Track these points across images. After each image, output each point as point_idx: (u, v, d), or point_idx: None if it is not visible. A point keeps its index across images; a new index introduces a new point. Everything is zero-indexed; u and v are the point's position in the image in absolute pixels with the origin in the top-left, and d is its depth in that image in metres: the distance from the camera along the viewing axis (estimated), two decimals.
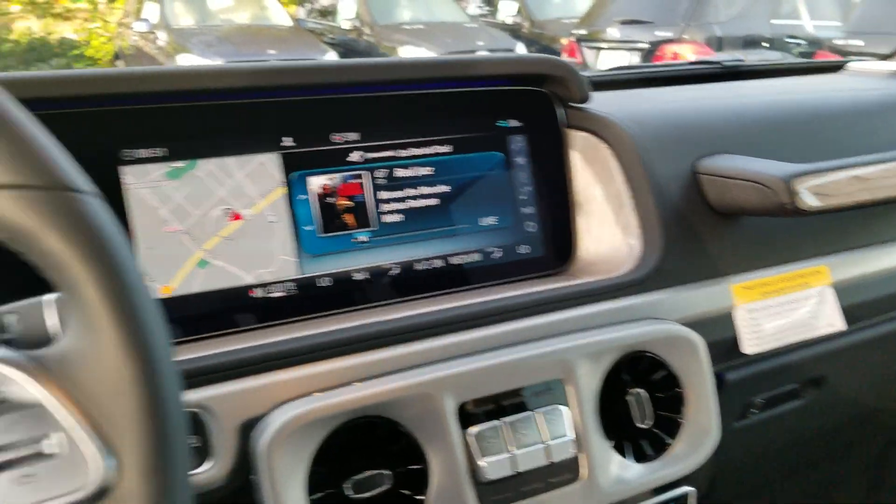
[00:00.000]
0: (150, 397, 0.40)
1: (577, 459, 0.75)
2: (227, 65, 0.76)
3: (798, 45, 5.94)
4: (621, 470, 0.77)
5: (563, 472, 0.74)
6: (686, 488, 0.86)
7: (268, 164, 0.77)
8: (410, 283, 0.82)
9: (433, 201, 0.83)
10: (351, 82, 0.80)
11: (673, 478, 0.80)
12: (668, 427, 0.81)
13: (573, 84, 0.87)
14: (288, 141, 0.77)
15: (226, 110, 0.75)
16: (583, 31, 6.69)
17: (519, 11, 9.60)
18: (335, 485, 0.67)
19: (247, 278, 0.76)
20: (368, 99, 0.81)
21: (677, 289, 0.85)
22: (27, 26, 10.82)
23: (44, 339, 0.49)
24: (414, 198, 0.82)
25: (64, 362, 0.41)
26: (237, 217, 0.75)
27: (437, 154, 0.83)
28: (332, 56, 7.81)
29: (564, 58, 6.73)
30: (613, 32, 6.42)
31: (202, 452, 0.64)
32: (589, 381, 0.76)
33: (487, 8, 10.32)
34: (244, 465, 0.65)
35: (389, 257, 0.81)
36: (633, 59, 6.14)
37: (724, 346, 0.88)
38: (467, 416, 0.71)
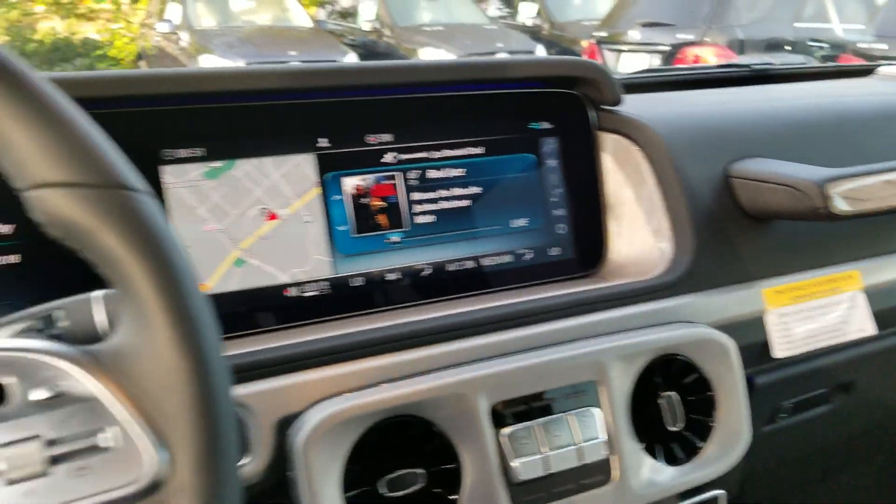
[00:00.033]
0: (202, 393, 0.41)
1: (609, 461, 0.75)
2: (265, 66, 0.77)
3: (821, 48, 5.89)
4: (653, 472, 0.77)
5: (594, 474, 0.74)
6: (717, 491, 0.86)
7: (303, 165, 0.77)
8: (442, 283, 0.82)
9: (465, 202, 0.83)
10: (385, 84, 0.80)
11: (704, 481, 0.80)
12: (699, 430, 0.81)
13: (605, 86, 0.87)
14: (323, 142, 0.78)
15: (263, 111, 0.76)
16: (603, 34, 6.68)
17: (539, 13, 9.60)
18: (369, 483, 0.68)
19: (282, 277, 0.76)
20: (402, 100, 0.82)
21: (708, 292, 0.85)
22: (51, 26, 10.94)
23: (91, 335, 0.50)
24: (446, 199, 0.83)
25: (118, 357, 0.42)
26: (273, 217, 0.76)
27: (470, 156, 0.84)
28: (352, 57, 7.84)
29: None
30: (634, 35, 6.40)
31: (240, 449, 0.65)
32: (621, 383, 0.76)
33: (507, 10, 10.32)
34: (281, 461, 0.65)
35: (421, 258, 0.82)
36: (654, 61, 6.12)
37: (754, 350, 0.88)
38: (500, 417, 0.71)
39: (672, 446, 0.80)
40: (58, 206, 0.40)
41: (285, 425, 0.66)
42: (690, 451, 0.81)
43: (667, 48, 6.08)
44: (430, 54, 8.20)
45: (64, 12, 11.08)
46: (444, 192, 0.82)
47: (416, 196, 0.81)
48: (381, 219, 0.80)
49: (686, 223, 0.84)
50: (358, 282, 0.79)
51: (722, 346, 0.81)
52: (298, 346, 0.68)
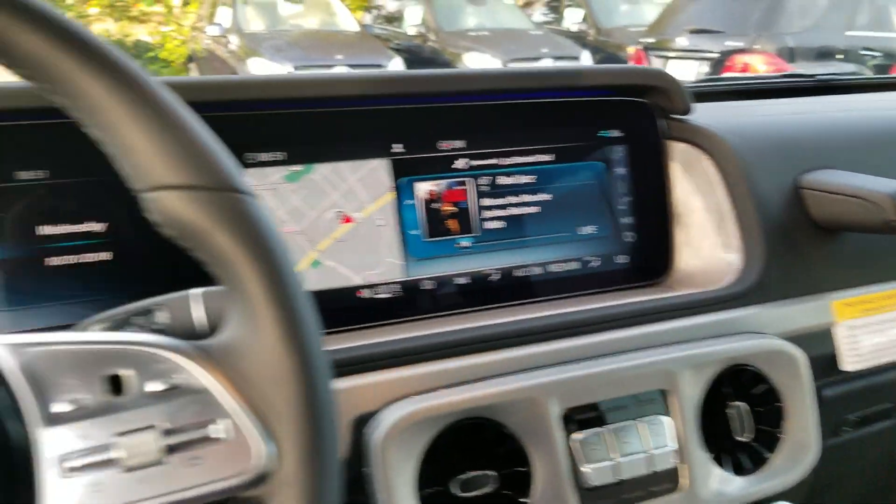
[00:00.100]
0: (308, 389, 0.43)
1: (678, 470, 0.75)
2: (344, 73, 0.79)
3: (874, 57, 5.78)
4: (721, 482, 0.77)
5: (664, 482, 0.74)
6: (784, 503, 0.85)
7: (378, 170, 0.79)
8: (510, 289, 0.83)
9: (534, 209, 0.84)
10: (459, 91, 0.82)
11: (771, 492, 0.80)
12: (768, 441, 0.81)
13: (676, 95, 0.87)
14: (398, 147, 0.80)
15: (341, 117, 0.78)
16: (651, 40, 6.63)
17: (585, 19, 9.56)
18: (442, 482, 0.69)
19: (355, 279, 0.78)
20: (475, 107, 0.83)
21: (777, 303, 0.85)
22: (104, 28, 11.19)
23: (189, 331, 0.52)
24: (516, 205, 0.84)
25: (228, 353, 0.44)
26: (348, 220, 0.78)
27: (540, 162, 0.85)
28: (397, 61, 7.89)
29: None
30: (682, 41, 6.34)
31: None
32: (691, 392, 0.77)
33: (553, 15, 10.28)
34: (356, 458, 0.67)
35: (490, 263, 0.83)
36: (702, 68, 6.06)
37: (821, 362, 0.88)
38: (571, 422, 0.72)
39: (740, 457, 0.80)
40: (174, 207, 0.42)
41: (361, 423, 0.68)
42: (758, 462, 0.80)
43: (715, 55, 6.02)
44: (474, 59, 8.22)
45: (117, 15, 11.34)
46: (513, 199, 0.83)
47: (487, 202, 0.83)
48: (452, 224, 0.82)
49: (756, 233, 0.84)
50: (428, 285, 0.81)
51: (792, 357, 0.81)
52: (374, 346, 0.70)
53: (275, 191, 0.75)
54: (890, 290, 0.91)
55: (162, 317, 0.53)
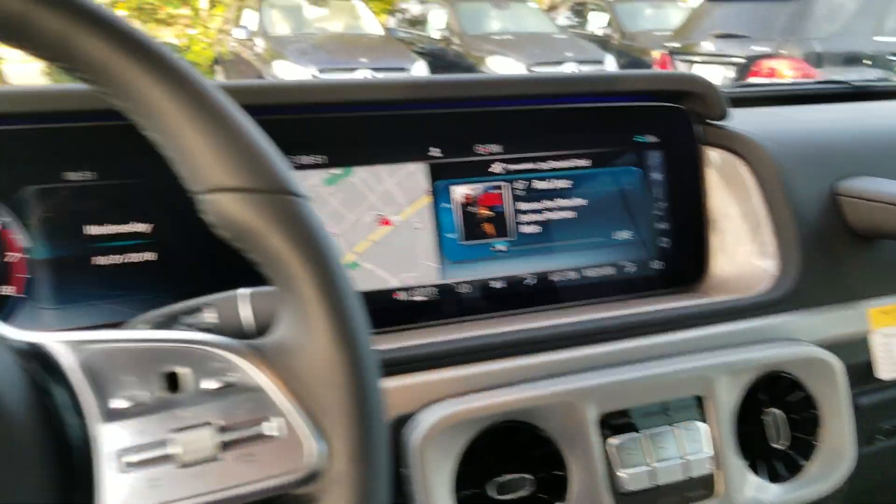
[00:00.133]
0: (359, 389, 0.43)
1: (714, 476, 0.75)
2: (383, 78, 0.80)
3: None
4: (757, 490, 0.77)
5: (699, 488, 0.74)
6: None
7: (416, 173, 0.80)
8: (545, 293, 0.84)
9: (569, 214, 0.85)
10: (496, 96, 0.82)
11: (806, 500, 0.80)
12: (803, 449, 0.81)
13: (713, 101, 0.87)
14: (435, 151, 0.80)
15: (380, 121, 0.79)
16: (676, 44, 6.60)
17: (609, 23, 9.54)
18: (479, 485, 0.69)
19: (392, 281, 0.79)
20: (511, 112, 0.84)
21: (813, 310, 0.84)
22: None
23: (236, 331, 0.53)
24: (551, 209, 0.84)
25: (280, 351, 0.44)
26: (386, 223, 0.79)
27: (576, 167, 0.85)
28: (421, 65, 7.92)
29: (657, 70, 6.65)
30: (708, 46, 6.31)
31: None
32: (727, 398, 0.77)
33: (577, 19, 10.27)
34: (394, 459, 0.68)
35: (525, 267, 0.83)
36: (728, 73, 6.02)
37: (857, 370, 0.87)
38: (607, 427, 0.72)
39: (775, 464, 0.80)
40: (230, 209, 0.43)
41: (399, 424, 0.68)
42: (794, 470, 0.80)
43: (741, 60, 5.98)
44: (498, 63, 8.22)
45: (145, 17, 11.48)
46: (549, 203, 0.84)
47: (522, 206, 0.83)
48: (488, 227, 0.82)
49: (792, 240, 0.84)
50: (464, 288, 0.81)
51: (828, 365, 0.80)
52: (413, 348, 0.71)
53: (315, 193, 0.76)
54: None
55: (210, 316, 0.54)
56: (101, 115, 0.68)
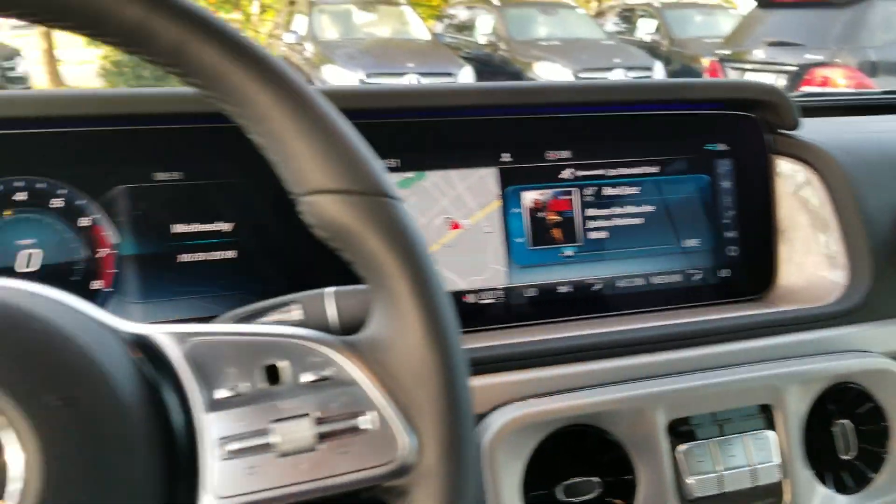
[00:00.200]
0: (450, 386, 0.45)
1: (782, 485, 0.75)
2: (457, 84, 0.82)
3: None
4: (824, 500, 0.77)
5: (767, 497, 0.74)
6: None
7: (487, 178, 0.81)
8: (612, 299, 0.84)
9: (638, 220, 0.85)
10: (568, 102, 0.83)
11: None
12: (872, 460, 0.80)
13: (785, 110, 0.87)
14: (506, 157, 0.81)
15: (453, 126, 0.80)
16: (727, 52, 6.52)
17: (658, 29, 9.47)
18: (547, 487, 0.70)
19: (461, 284, 0.80)
20: (582, 118, 0.84)
21: (883, 322, 0.84)
22: None
23: (322, 328, 0.54)
24: (620, 216, 0.85)
25: (373, 348, 0.46)
26: (456, 226, 0.80)
27: (645, 174, 0.85)
28: (467, 70, 7.94)
29: (707, 77, 6.57)
30: (759, 54, 6.22)
31: None
32: (797, 408, 0.76)
33: (625, 25, 10.21)
34: None
35: (593, 273, 0.84)
36: (780, 81, 5.93)
37: None
38: (676, 433, 0.73)
39: (843, 475, 0.79)
40: (329, 210, 0.45)
41: None
42: (862, 482, 0.80)
43: (793, 69, 5.88)
44: (545, 69, 8.22)
45: None
46: (618, 210, 0.84)
47: (591, 212, 0.84)
48: (556, 233, 0.83)
49: (863, 251, 0.83)
50: (531, 293, 0.82)
51: None
52: (484, 350, 0.72)
53: None
54: None
55: (296, 313, 0.56)
56: (190, 118, 0.72)
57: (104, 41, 0.43)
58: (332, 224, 0.45)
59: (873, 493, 0.79)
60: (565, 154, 0.83)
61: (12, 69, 7.32)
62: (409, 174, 0.79)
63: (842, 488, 0.79)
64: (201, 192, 0.72)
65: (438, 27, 10.69)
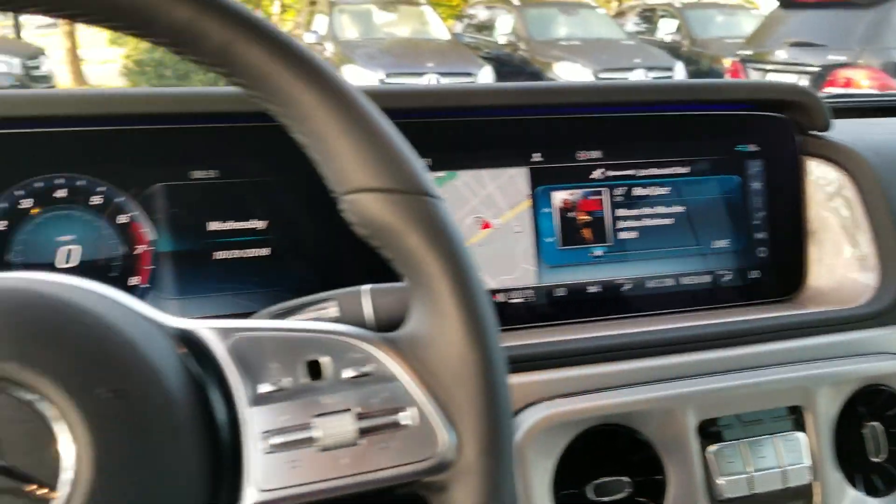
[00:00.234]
0: (489, 383, 0.45)
1: (812, 487, 0.75)
2: (488, 84, 0.82)
3: None
4: (855, 502, 0.76)
5: (796, 499, 0.74)
6: None
7: (517, 178, 0.81)
8: (641, 299, 0.84)
9: (668, 221, 0.85)
10: (599, 103, 0.83)
11: None
12: None
13: (816, 112, 0.87)
14: (537, 156, 0.82)
15: (485, 126, 0.81)
16: (748, 52, 6.48)
17: (678, 29, 9.42)
18: (577, 486, 0.71)
19: (491, 283, 0.81)
20: (612, 119, 0.85)
21: None
22: None
23: (358, 325, 0.55)
24: (650, 216, 0.85)
25: (413, 344, 0.46)
26: (487, 226, 0.81)
27: (675, 175, 0.85)
28: (487, 70, 7.94)
29: (728, 78, 6.53)
30: (782, 54, 6.18)
31: None
32: (827, 410, 0.76)
33: (645, 25, 10.17)
34: None
35: (622, 273, 0.84)
36: (802, 82, 5.88)
37: None
38: (706, 434, 0.73)
39: (873, 478, 0.79)
40: (371, 208, 0.45)
41: None
42: (892, 484, 0.79)
43: (816, 69, 5.84)
44: (565, 69, 8.20)
45: None
46: (648, 210, 0.85)
47: (621, 212, 0.84)
48: (586, 233, 0.83)
49: (894, 253, 0.83)
50: (561, 292, 0.82)
51: None
52: (515, 349, 0.72)
53: None
54: None
55: (332, 310, 0.56)
56: (226, 117, 0.73)
57: (152, 41, 0.44)
58: (374, 222, 0.46)
59: None
60: (596, 154, 0.83)
61: (37, 68, 7.40)
62: (441, 173, 0.79)
63: (872, 491, 0.79)
64: (236, 190, 0.73)
65: (458, 27, 10.70)
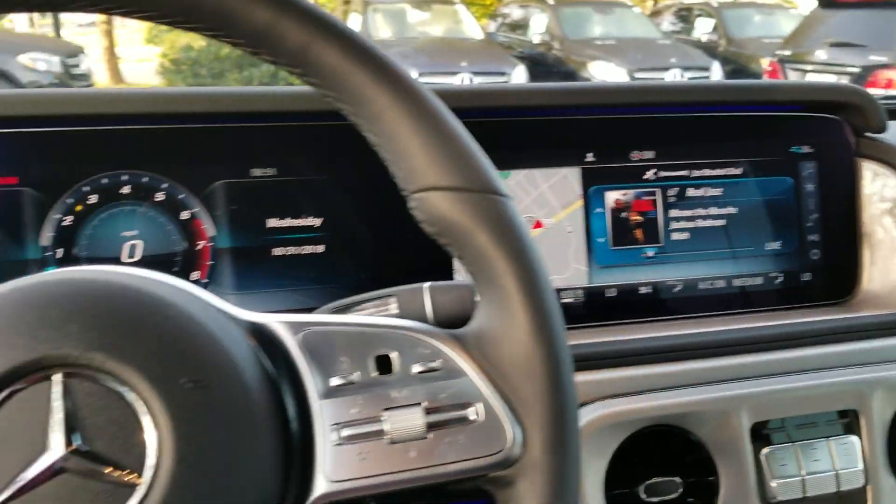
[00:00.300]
0: (556, 381, 0.46)
1: (865, 491, 0.74)
2: (543, 84, 0.82)
3: None
4: None
5: (849, 503, 0.74)
6: None
7: (569, 178, 0.82)
8: (693, 301, 0.84)
9: (720, 222, 0.85)
10: (653, 103, 0.83)
11: None
12: None
13: (871, 114, 0.86)
14: (590, 156, 0.82)
15: (538, 126, 0.81)
16: (787, 52, 6.40)
17: (715, 29, 9.32)
18: (629, 486, 0.71)
19: None
20: (666, 119, 0.85)
21: None
22: None
23: (420, 321, 0.56)
24: (702, 217, 0.84)
25: (479, 341, 0.47)
26: (539, 225, 0.81)
27: (728, 176, 0.85)
28: (521, 69, 7.92)
29: (767, 79, 6.45)
30: (821, 55, 6.09)
31: None
32: (882, 414, 0.76)
33: (682, 24, 10.07)
34: None
35: (674, 274, 0.84)
36: (843, 83, 5.79)
37: None
38: (759, 436, 0.73)
39: None
40: (440, 207, 0.46)
41: None
42: None
43: (856, 70, 5.74)
44: (599, 68, 8.15)
45: None
46: (700, 211, 0.84)
47: (674, 213, 0.84)
48: (638, 233, 0.83)
49: None
50: (611, 292, 0.83)
51: None
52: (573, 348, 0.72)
53: None
54: None
55: (392, 307, 0.57)
56: (285, 116, 0.74)
57: (231, 43, 0.45)
58: (443, 220, 0.46)
59: None
60: (649, 154, 0.83)
61: (76, 66, 7.52)
62: None
63: None
64: (293, 188, 0.74)
65: (492, 26, 10.67)
